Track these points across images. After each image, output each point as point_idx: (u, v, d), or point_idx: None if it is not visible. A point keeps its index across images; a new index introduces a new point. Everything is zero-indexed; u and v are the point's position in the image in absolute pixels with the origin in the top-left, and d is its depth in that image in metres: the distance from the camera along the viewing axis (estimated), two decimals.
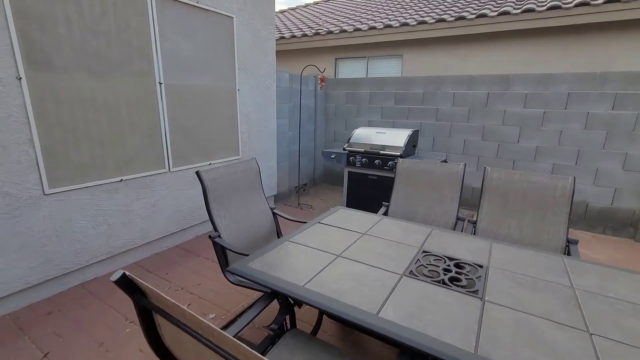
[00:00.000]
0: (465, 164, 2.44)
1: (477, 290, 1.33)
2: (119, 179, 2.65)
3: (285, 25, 8.58)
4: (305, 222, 2.07)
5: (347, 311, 1.16)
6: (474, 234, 2.26)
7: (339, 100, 5.58)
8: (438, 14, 5.95)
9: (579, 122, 3.87)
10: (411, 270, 1.47)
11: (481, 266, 1.53)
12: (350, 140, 4.15)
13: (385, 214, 2.57)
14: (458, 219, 2.38)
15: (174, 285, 2.59)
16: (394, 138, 3.92)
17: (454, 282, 1.39)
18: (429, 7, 6.75)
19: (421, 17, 6.07)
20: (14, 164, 2.09)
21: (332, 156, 4.21)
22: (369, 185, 3.98)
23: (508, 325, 1.12)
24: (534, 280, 1.42)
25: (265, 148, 4.25)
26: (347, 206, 3.16)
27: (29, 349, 1.90)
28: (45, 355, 1.85)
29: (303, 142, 5.27)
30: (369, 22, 6.66)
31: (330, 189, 5.74)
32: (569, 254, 1.98)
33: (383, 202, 2.66)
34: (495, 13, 5.12)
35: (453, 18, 5.48)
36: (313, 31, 7.06)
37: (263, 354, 1.36)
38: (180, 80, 3.02)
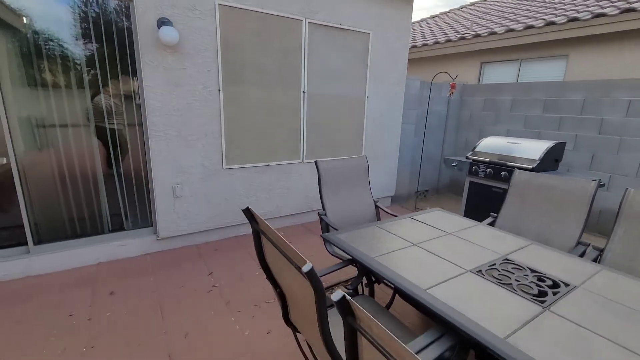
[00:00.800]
0: (599, 181, 2.09)
1: (545, 301, 1.30)
2: (266, 163, 3.53)
3: (431, 31, 8.54)
4: (397, 216, 2.30)
5: (394, 277, 1.40)
6: (598, 262, 1.95)
7: (475, 108, 5.27)
8: (628, 2, 4.78)
9: None
10: (480, 270, 1.53)
11: (568, 285, 1.43)
12: (476, 149, 3.96)
13: (491, 225, 2.47)
14: (579, 243, 2.08)
15: None
16: (529, 150, 3.52)
17: (523, 290, 1.38)
18: None
19: (602, 7, 5.01)
20: (210, 146, 3.16)
21: (454, 164, 4.12)
22: (492, 197, 3.72)
23: (560, 334, 1.10)
24: (631, 311, 1.25)
25: (386, 151, 4.55)
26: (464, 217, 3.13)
27: (203, 267, 2.89)
28: (210, 274, 2.78)
29: (429, 149, 5.27)
30: (527, 21, 5.94)
31: (453, 199, 5.50)
32: None
33: (491, 213, 2.56)
34: None
35: None
36: (458, 36, 6.82)
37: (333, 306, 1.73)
38: (319, 89, 3.70)
